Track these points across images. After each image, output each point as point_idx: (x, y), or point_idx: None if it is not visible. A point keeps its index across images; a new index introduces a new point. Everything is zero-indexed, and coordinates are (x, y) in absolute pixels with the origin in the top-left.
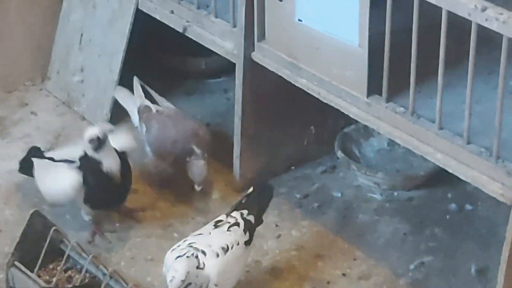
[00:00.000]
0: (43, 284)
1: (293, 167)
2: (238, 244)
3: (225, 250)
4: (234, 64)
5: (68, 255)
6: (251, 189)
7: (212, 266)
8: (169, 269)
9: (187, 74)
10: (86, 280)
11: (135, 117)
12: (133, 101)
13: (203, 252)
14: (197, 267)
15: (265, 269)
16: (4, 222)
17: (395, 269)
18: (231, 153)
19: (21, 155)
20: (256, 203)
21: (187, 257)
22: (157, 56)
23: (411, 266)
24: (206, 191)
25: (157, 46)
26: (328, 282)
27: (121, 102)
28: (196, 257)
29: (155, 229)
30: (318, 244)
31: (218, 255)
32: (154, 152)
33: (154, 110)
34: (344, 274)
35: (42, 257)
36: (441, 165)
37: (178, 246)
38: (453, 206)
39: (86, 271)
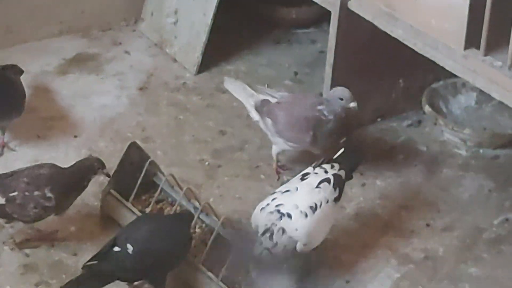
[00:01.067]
0: (138, 212)
1: (379, 119)
2: (327, 201)
3: (314, 209)
4: (323, 15)
5: (161, 188)
6: (342, 150)
7: (300, 227)
8: (257, 227)
9: (276, 23)
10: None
11: (250, 108)
12: (246, 92)
13: (289, 216)
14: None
15: (349, 215)
16: (98, 154)
17: (478, 224)
18: None
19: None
20: (347, 160)
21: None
22: (249, 4)
23: (495, 222)
24: None
25: None
26: (412, 231)
27: (233, 93)
28: (272, 233)
29: (242, 170)
30: (403, 194)
31: (306, 215)
32: (289, 139)
33: (272, 101)
34: (428, 225)
35: (137, 187)
36: None
37: (267, 205)
38: None
39: (178, 204)
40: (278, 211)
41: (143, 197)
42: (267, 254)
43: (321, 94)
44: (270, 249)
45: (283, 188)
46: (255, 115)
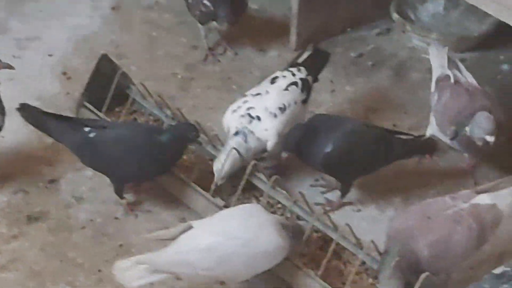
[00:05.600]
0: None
1: (349, 29)
2: (295, 103)
3: (283, 109)
4: None
5: (133, 99)
6: (307, 52)
7: (270, 127)
8: (228, 128)
9: None
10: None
11: (434, 77)
12: (440, 61)
13: (258, 118)
14: (246, 147)
15: None
16: (73, 71)
17: None
18: (289, 13)
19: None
20: (312, 64)
21: (233, 148)
22: None
23: None
24: None
25: None
26: None
27: (431, 57)
28: (244, 136)
29: (214, 82)
30: (371, 98)
31: (276, 116)
32: (437, 122)
33: (452, 80)
34: (394, 125)
35: (109, 97)
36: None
37: (239, 107)
38: (505, 67)
39: (150, 114)
40: (249, 114)
41: (117, 109)
42: (235, 154)
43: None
44: (240, 150)
45: (254, 91)
46: (433, 87)
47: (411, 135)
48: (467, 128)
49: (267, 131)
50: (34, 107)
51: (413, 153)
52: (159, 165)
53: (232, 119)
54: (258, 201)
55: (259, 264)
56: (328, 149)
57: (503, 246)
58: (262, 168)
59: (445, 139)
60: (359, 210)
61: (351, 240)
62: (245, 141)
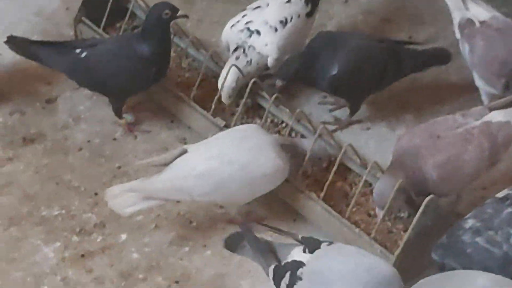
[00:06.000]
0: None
1: None
2: (299, 16)
3: (284, 23)
4: None
5: (134, 13)
6: None
7: (270, 42)
8: (228, 43)
9: None
10: None
11: (455, 23)
12: (455, 2)
13: (258, 32)
14: (246, 61)
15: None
16: None
17: None
18: None
19: None
20: None
21: (236, 58)
22: None
23: None
24: None
25: None
26: None
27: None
28: (244, 51)
29: None
30: (386, 9)
31: (276, 30)
32: (482, 76)
33: (477, 24)
34: (410, 37)
35: (107, 12)
36: None
37: (238, 22)
38: None
39: None
40: (248, 28)
41: (118, 25)
42: (234, 70)
43: None
44: (240, 66)
45: (254, 4)
46: (457, 33)
47: (422, 45)
48: None
49: (267, 46)
50: (22, 38)
51: (426, 65)
52: (147, 67)
53: (230, 35)
54: (264, 121)
55: (258, 187)
56: (334, 71)
57: None
58: (267, 85)
59: (497, 91)
60: (368, 129)
61: (356, 160)
62: (246, 56)
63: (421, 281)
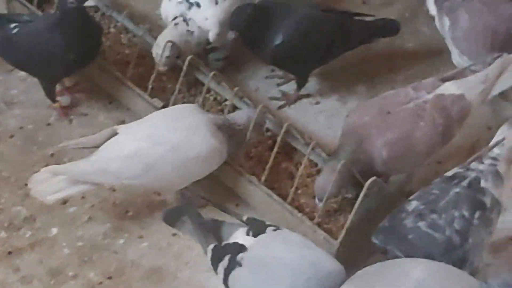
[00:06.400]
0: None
1: None
2: None
3: None
4: None
5: None
6: None
7: (210, 15)
8: (166, 18)
9: None
10: None
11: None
12: None
13: (198, 5)
14: (187, 30)
15: None
16: None
17: None
18: None
19: None
20: None
21: (175, 24)
22: None
23: None
24: None
25: None
26: None
27: None
28: (185, 20)
29: None
30: None
31: (216, 2)
32: (464, 51)
33: None
34: (364, 2)
35: None
36: None
37: None
38: None
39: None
40: (187, 0)
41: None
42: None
43: None
44: (179, 34)
45: None
46: (432, 8)
47: (373, 16)
48: None
49: (208, 20)
50: None
51: (374, 36)
52: (64, 53)
53: (169, 7)
54: (202, 98)
55: (192, 170)
56: (277, 41)
57: (475, 137)
58: (214, 60)
59: (481, 67)
60: (317, 103)
61: (300, 139)
62: (187, 25)
63: (358, 272)
